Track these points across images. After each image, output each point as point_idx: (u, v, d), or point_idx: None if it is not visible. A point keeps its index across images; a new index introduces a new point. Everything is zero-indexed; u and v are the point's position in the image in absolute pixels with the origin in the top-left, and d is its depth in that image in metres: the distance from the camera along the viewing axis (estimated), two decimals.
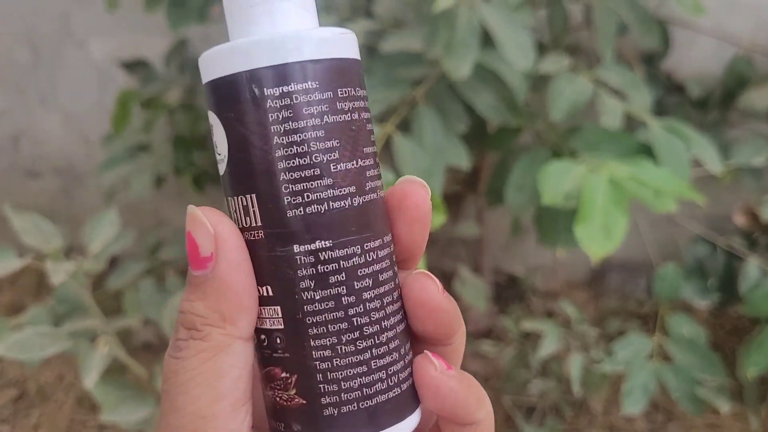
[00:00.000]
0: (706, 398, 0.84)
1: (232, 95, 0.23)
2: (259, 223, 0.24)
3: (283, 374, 0.24)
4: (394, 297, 0.25)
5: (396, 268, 0.26)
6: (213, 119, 0.24)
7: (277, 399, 0.25)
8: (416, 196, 0.25)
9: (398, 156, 0.72)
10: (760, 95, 0.97)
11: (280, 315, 0.24)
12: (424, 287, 0.25)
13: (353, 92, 0.24)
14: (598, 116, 0.79)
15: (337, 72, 0.24)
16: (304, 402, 0.24)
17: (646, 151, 0.75)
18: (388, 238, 0.25)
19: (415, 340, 0.26)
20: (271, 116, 0.23)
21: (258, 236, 0.24)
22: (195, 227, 0.23)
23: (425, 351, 0.25)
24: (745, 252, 0.92)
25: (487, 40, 0.74)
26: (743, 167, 0.95)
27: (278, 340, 0.24)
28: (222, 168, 0.24)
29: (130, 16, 1.16)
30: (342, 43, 0.24)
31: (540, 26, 0.94)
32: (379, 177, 0.25)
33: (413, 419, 0.26)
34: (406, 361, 0.25)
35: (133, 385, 0.65)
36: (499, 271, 1.30)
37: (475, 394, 0.25)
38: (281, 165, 0.23)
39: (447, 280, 1.16)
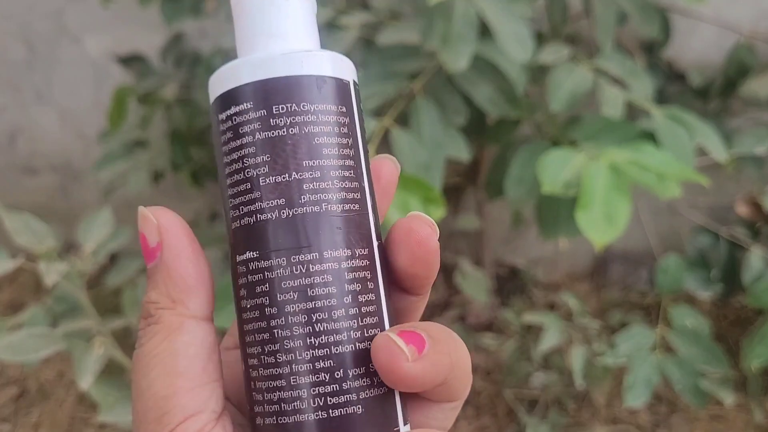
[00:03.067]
0: (710, 390, 0.83)
1: (211, 125, 0.27)
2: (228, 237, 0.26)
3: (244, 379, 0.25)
4: (335, 315, 0.24)
5: (357, 287, 0.24)
6: None
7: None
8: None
9: (396, 150, 0.71)
10: (762, 84, 0.96)
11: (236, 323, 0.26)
12: (423, 228, 0.25)
13: (295, 108, 0.25)
14: (599, 106, 0.78)
15: (273, 90, 0.25)
16: (249, 408, 0.25)
17: (649, 140, 0.74)
18: (338, 253, 0.24)
19: (391, 290, 0.26)
20: (221, 138, 0.25)
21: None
22: (143, 222, 0.25)
23: (387, 333, 0.23)
24: (748, 242, 0.92)
25: (484, 31, 0.73)
26: (745, 156, 0.94)
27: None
28: None
29: (124, 12, 1.15)
30: (288, 63, 0.25)
31: (538, 16, 0.93)
32: (333, 190, 0.25)
33: None
34: (344, 386, 0.24)
35: (130, 384, 0.64)
36: (500, 263, 1.29)
37: (446, 363, 0.24)
38: (227, 181, 0.25)
39: (448, 273, 1.16)
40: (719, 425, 1.00)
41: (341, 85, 0.26)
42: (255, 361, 0.24)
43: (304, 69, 0.25)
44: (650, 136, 0.75)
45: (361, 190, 0.26)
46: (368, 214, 0.26)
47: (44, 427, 1.08)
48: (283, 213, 0.24)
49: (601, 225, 0.64)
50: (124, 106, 1.09)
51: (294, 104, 0.25)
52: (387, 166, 0.28)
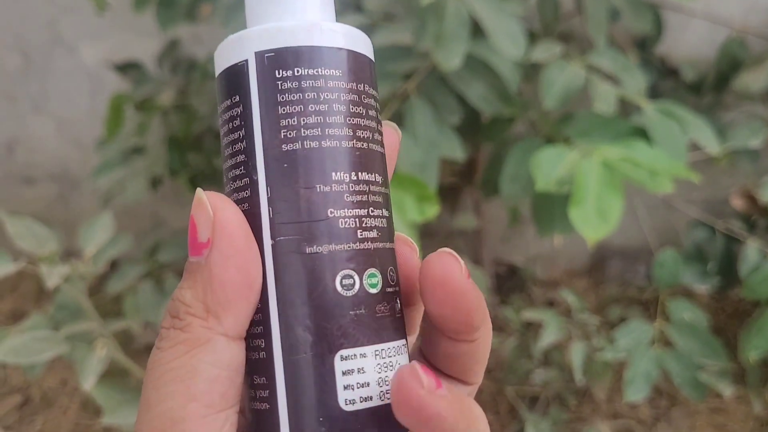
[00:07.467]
0: (709, 383, 0.83)
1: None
2: None
3: None
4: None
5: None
6: None
7: None
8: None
9: None
10: (754, 77, 0.96)
11: None
12: (446, 266, 0.23)
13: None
14: (592, 103, 0.78)
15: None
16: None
17: (641, 136, 0.75)
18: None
19: (435, 333, 0.24)
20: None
21: None
22: (197, 209, 0.22)
23: (413, 362, 0.21)
24: (743, 235, 0.92)
25: (477, 30, 0.73)
26: (740, 150, 0.95)
27: None
28: None
29: (119, 19, 1.16)
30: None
31: (530, 15, 0.94)
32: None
33: None
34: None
35: (134, 387, 0.65)
36: (498, 261, 1.30)
37: (467, 420, 0.21)
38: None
39: None
40: (719, 417, 1.00)
41: (237, 67, 0.23)
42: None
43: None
44: (643, 132, 0.75)
45: (252, 185, 0.23)
46: (259, 213, 0.23)
47: None
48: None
49: (594, 221, 0.65)
50: (121, 113, 1.09)
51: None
52: (388, 133, 0.27)
